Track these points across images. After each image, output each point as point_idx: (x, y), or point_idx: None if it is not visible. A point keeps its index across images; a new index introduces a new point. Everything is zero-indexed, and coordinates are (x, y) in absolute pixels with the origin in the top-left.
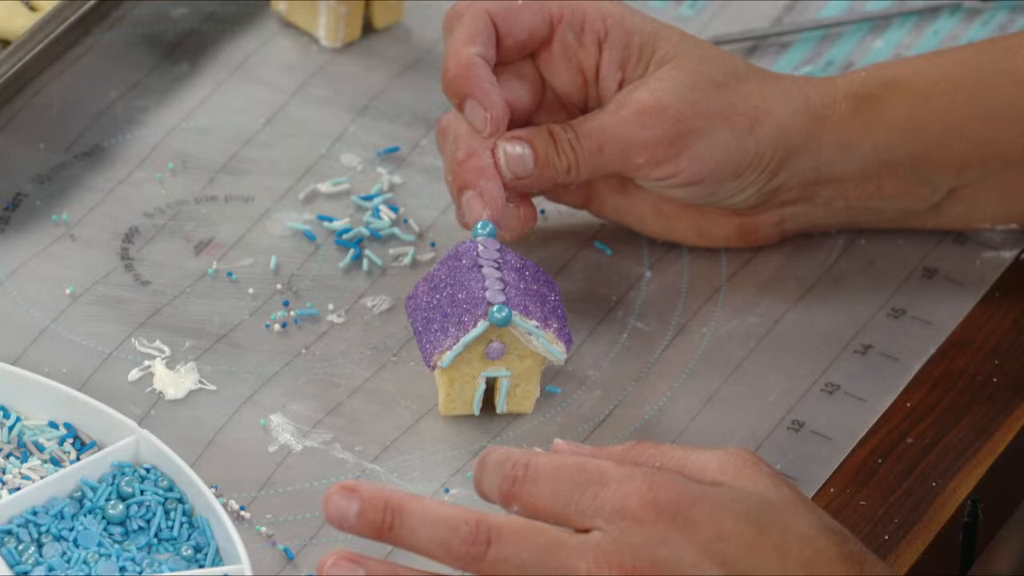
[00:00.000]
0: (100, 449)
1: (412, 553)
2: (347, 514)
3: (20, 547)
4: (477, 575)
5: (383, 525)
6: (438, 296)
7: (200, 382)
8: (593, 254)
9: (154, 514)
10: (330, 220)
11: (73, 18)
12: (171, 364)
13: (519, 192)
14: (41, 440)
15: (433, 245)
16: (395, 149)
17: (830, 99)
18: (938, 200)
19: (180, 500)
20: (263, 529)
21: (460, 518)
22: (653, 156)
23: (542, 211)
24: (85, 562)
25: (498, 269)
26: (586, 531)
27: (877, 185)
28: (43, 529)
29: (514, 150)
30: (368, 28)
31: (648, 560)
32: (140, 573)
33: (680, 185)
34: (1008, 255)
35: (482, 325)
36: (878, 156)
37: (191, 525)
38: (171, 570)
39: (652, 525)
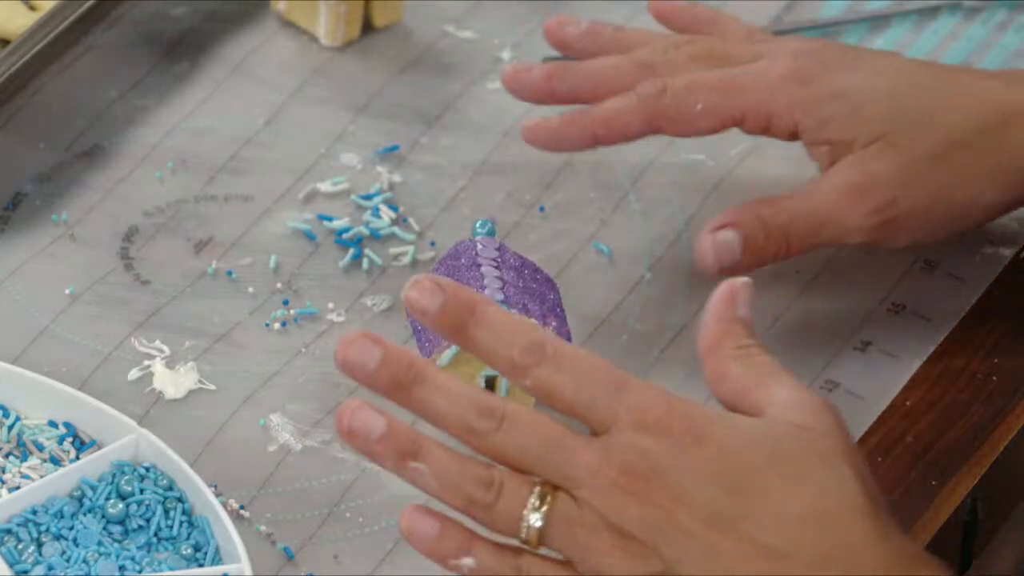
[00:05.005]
0: (100, 448)
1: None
2: (367, 362)
3: (20, 546)
4: (480, 450)
5: (403, 381)
6: None
7: (200, 382)
8: (593, 255)
9: (154, 513)
10: (330, 219)
11: (73, 18)
12: (171, 364)
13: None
14: (41, 439)
15: (433, 244)
16: (395, 148)
17: None
18: None
19: (180, 499)
20: (263, 528)
21: (479, 393)
22: (870, 236)
23: (541, 208)
24: (85, 561)
25: (497, 268)
26: (594, 433)
27: None
28: (43, 528)
29: (723, 237)
30: (368, 27)
31: (648, 466)
32: (140, 572)
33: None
34: (1007, 252)
35: None
36: None
37: (191, 524)
38: (171, 569)
39: (661, 436)
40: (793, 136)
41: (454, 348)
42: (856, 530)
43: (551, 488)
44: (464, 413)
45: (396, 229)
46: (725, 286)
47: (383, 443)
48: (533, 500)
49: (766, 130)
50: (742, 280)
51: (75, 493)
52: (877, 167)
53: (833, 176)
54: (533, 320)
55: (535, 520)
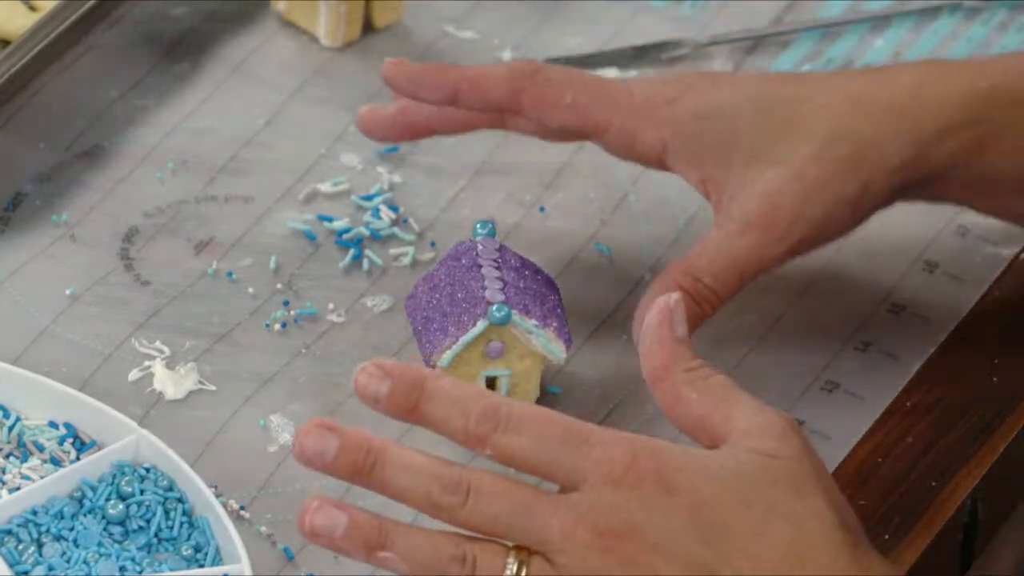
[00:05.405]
0: (100, 449)
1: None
2: (325, 452)
3: (20, 547)
4: (450, 523)
5: (363, 466)
6: (437, 296)
7: (200, 382)
8: (593, 255)
9: (154, 514)
10: (330, 220)
11: (73, 18)
12: (171, 364)
13: None
14: (41, 440)
15: (433, 245)
16: (395, 148)
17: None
18: None
19: (180, 500)
20: (263, 529)
21: (441, 465)
22: (790, 256)
23: (541, 208)
24: (85, 562)
25: (497, 268)
26: (563, 490)
27: None
28: (43, 529)
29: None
30: (368, 27)
31: (623, 522)
32: (140, 573)
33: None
34: (1007, 252)
35: (481, 324)
36: None
37: (191, 525)
38: (171, 570)
39: (631, 490)
40: (657, 157)
41: (455, 349)
42: (836, 566)
43: (526, 554)
44: (429, 490)
45: (396, 230)
46: (660, 306)
47: (348, 539)
48: (510, 568)
49: (629, 147)
50: (675, 297)
51: (75, 494)
52: (770, 189)
53: (735, 216)
54: (482, 386)
55: None
